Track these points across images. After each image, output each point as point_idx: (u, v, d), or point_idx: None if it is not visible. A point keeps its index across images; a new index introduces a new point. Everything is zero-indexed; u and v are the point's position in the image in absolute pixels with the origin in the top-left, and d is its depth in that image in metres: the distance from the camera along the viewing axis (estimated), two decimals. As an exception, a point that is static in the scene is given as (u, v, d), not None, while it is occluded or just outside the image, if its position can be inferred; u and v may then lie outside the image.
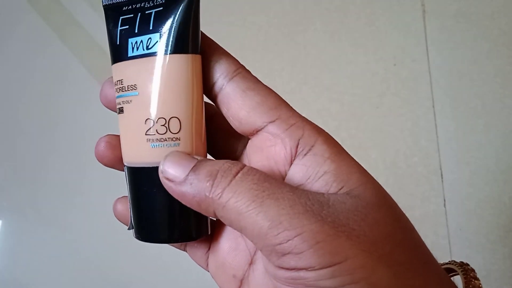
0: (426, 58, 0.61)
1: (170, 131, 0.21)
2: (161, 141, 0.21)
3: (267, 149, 0.20)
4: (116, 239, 0.59)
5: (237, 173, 0.18)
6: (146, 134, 0.21)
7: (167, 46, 0.20)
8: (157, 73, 0.21)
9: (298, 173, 0.20)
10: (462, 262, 0.22)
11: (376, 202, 0.19)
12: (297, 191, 0.18)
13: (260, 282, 0.21)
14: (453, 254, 0.54)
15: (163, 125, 0.21)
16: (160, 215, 0.22)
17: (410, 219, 0.20)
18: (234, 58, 0.21)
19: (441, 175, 0.56)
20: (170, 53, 0.20)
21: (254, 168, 0.19)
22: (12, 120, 0.67)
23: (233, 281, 0.22)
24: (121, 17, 0.22)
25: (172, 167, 0.19)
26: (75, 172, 0.63)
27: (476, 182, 0.55)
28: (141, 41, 0.21)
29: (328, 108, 0.60)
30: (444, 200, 0.55)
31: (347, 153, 0.20)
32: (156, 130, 0.21)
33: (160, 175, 0.20)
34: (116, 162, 0.23)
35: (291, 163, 0.20)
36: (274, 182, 0.18)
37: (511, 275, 0.52)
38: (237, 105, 0.20)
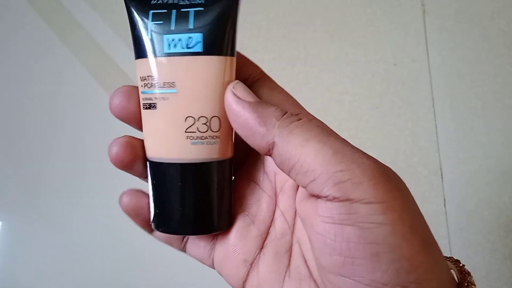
0: (426, 58, 0.61)
1: (211, 129, 0.22)
2: (202, 139, 0.22)
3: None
4: (117, 240, 0.59)
5: (300, 118, 0.20)
6: (186, 132, 0.22)
7: (210, 47, 0.21)
8: (199, 73, 0.21)
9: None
10: (452, 257, 0.23)
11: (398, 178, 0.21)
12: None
13: (271, 263, 0.23)
14: (453, 254, 0.53)
15: (204, 124, 0.21)
16: (195, 209, 0.22)
17: None
18: (256, 64, 0.24)
19: (441, 175, 0.56)
20: (213, 55, 0.21)
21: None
22: (12, 120, 0.67)
23: (242, 266, 0.23)
24: (151, 11, 0.22)
25: (243, 90, 0.21)
26: (75, 172, 0.63)
27: (476, 182, 0.55)
28: (180, 39, 0.21)
29: (328, 108, 0.59)
30: (444, 200, 0.55)
31: None
32: (197, 128, 0.21)
33: (229, 94, 0.21)
34: (133, 163, 0.24)
35: None
36: (333, 131, 0.20)
37: (511, 275, 0.52)
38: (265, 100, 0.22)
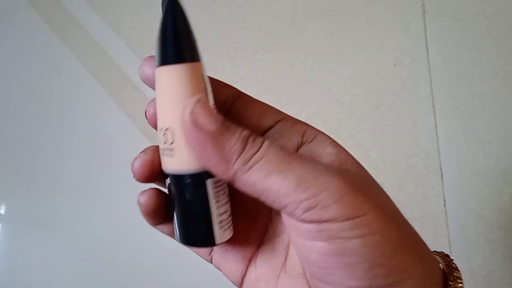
0: (426, 58, 0.61)
1: (168, 141, 0.21)
2: (163, 151, 0.22)
3: (276, 141, 0.23)
4: (117, 240, 0.59)
5: (263, 142, 0.20)
6: (160, 143, 0.22)
7: (158, 59, 0.21)
8: (157, 85, 0.21)
9: (304, 154, 0.22)
10: (442, 252, 0.23)
11: (369, 180, 0.22)
12: (315, 159, 0.21)
13: (267, 259, 0.24)
14: (453, 254, 0.53)
15: (163, 135, 0.21)
16: (176, 221, 0.23)
17: (410, 219, 0.22)
18: (230, 85, 0.24)
19: (441, 175, 0.56)
20: (160, 65, 0.21)
21: (274, 141, 0.21)
22: (12, 120, 0.67)
23: (241, 262, 0.24)
24: None
25: (203, 113, 0.20)
26: (74, 172, 0.63)
27: (476, 182, 0.55)
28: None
29: (328, 108, 0.59)
30: (444, 200, 0.55)
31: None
32: (162, 140, 0.22)
33: (187, 115, 0.19)
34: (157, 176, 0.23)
35: (297, 150, 0.23)
36: (294, 151, 0.21)
37: (511, 275, 0.52)
38: (249, 113, 0.23)
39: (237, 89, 0.24)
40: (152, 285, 0.57)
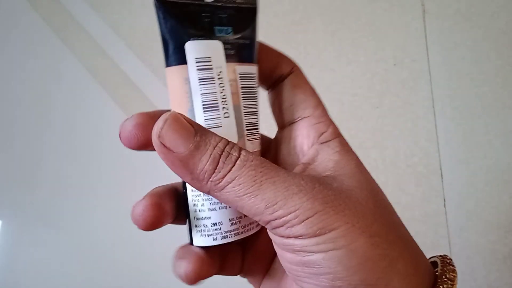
0: (426, 58, 0.61)
1: None
2: None
3: (295, 138, 0.24)
4: (117, 240, 0.59)
5: (236, 160, 0.20)
6: None
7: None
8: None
9: (310, 154, 0.23)
10: (445, 255, 0.23)
11: (359, 186, 0.21)
12: (292, 174, 0.20)
13: (276, 258, 0.25)
14: (453, 254, 0.54)
15: None
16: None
17: (410, 219, 0.21)
18: (290, 58, 0.25)
19: (441, 175, 0.56)
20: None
21: (251, 153, 0.20)
22: (12, 120, 0.67)
23: (268, 264, 0.26)
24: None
25: (171, 134, 0.19)
26: (75, 172, 0.63)
27: (476, 182, 0.55)
28: None
29: (328, 108, 0.59)
30: (444, 200, 0.55)
31: (353, 152, 0.23)
32: None
33: (155, 138, 0.19)
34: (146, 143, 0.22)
35: (309, 149, 0.23)
36: (271, 166, 0.20)
37: (511, 275, 0.52)
38: (284, 98, 0.24)
39: (292, 63, 0.24)
40: (153, 284, 0.57)
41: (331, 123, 0.24)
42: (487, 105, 0.58)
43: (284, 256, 0.20)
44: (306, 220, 0.19)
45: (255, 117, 0.23)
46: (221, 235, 0.22)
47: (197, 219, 0.22)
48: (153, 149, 0.22)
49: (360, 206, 0.20)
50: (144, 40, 0.68)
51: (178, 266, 0.22)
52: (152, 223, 0.22)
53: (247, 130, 0.22)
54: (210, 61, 0.22)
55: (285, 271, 0.22)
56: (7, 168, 0.65)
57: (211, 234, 0.22)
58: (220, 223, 0.22)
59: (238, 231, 0.23)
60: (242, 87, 0.22)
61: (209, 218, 0.22)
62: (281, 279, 0.25)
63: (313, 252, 0.19)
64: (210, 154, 0.19)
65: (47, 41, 0.69)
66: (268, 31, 0.63)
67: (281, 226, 0.19)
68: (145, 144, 0.22)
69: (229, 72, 0.22)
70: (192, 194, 0.22)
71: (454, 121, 0.58)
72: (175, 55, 0.21)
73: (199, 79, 0.21)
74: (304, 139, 0.23)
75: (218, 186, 0.19)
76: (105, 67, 0.67)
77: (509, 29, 0.60)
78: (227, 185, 0.19)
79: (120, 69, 0.66)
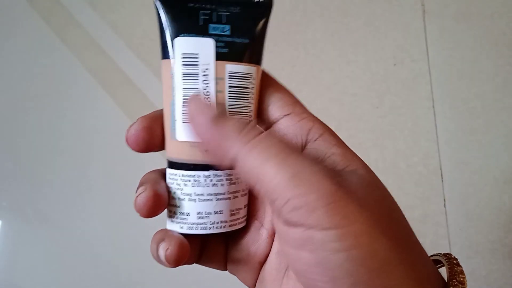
0: (426, 58, 0.61)
1: None
2: None
3: (281, 137, 0.22)
4: (116, 240, 0.59)
5: (262, 132, 0.20)
6: None
7: None
8: None
9: (309, 154, 0.22)
10: (449, 254, 0.23)
11: (375, 184, 0.21)
12: (315, 160, 0.20)
13: (273, 261, 0.24)
14: (453, 254, 0.54)
15: None
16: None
17: (410, 219, 0.21)
18: None
19: (441, 175, 0.56)
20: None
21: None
22: (12, 120, 0.67)
23: (256, 266, 0.24)
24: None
25: (199, 104, 0.21)
26: (75, 172, 0.63)
27: (476, 182, 0.55)
28: None
29: (328, 108, 0.59)
30: (444, 200, 0.55)
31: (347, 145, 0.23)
32: None
33: (187, 108, 0.21)
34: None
35: (303, 149, 0.22)
36: (295, 147, 0.20)
37: (511, 275, 0.52)
38: (260, 101, 0.23)
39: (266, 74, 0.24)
40: (152, 282, 0.57)
41: (314, 117, 0.23)
42: (487, 105, 0.58)
43: (300, 258, 0.19)
44: (329, 206, 0.17)
45: (243, 118, 0.23)
46: (188, 226, 0.23)
47: (170, 204, 0.23)
48: (158, 150, 0.23)
49: (379, 204, 0.19)
50: (144, 40, 0.68)
51: (160, 247, 0.22)
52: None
53: None
54: (197, 58, 0.22)
55: (295, 276, 0.21)
56: (7, 168, 0.65)
57: (179, 222, 0.23)
58: (188, 214, 0.23)
59: (204, 225, 0.23)
60: (230, 86, 0.22)
61: (178, 206, 0.23)
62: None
63: (335, 250, 0.17)
64: (238, 120, 0.20)
65: (46, 41, 0.69)
66: (268, 31, 0.63)
67: (301, 207, 0.18)
68: (152, 146, 0.23)
69: (219, 70, 0.22)
70: (169, 179, 0.23)
71: (454, 121, 0.58)
72: (166, 49, 0.22)
73: (183, 74, 0.22)
74: (293, 139, 0.23)
75: (247, 145, 0.19)
76: (105, 67, 0.67)
77: (509, 29, 0.60)
78: (256, 147, 0.19)
79: (120, 69, 0.66)
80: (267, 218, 0.25)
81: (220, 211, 0.22)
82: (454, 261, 0.22)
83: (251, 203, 0.25)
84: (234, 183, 0.23)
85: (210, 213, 0.22)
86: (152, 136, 0.23)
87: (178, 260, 0.22)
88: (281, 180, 0.18)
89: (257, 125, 0.20)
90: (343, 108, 0.60)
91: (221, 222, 0.23)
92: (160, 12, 0.22)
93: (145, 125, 0.23)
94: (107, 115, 0.64)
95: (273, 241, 0.24)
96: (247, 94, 0.23)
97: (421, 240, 0.22)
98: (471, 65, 0.59)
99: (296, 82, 0.61)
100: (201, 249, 0.25)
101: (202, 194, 0.22)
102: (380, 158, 0.57)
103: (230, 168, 0.20)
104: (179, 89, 0.22)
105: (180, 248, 0.22)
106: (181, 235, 0.22)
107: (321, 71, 0.62)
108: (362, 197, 0.19)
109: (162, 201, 0.23)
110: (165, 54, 0.22)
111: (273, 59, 0.62)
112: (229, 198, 0.23)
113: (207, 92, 0.22)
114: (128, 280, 0.58)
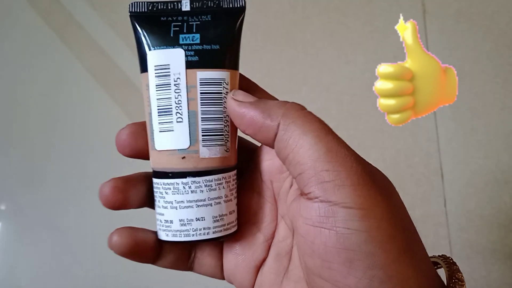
0: (426, 58, 0.61)
1: None
2: None
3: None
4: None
5: (305, 108, 0.21)
6: None
7: None
8: None
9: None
10: (444, 255, 0.23)
11: (390, 182, 0.22)
12: (347, 146, 0.21)
13: (272, 264, 0.24)
14: (453, 254, 0.54)
15: None
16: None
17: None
18: None
19: (441, 175, 0.56)
20: None
21: None
22: (12, 121, 0.67)
23: (253, 271, 0.24)
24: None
25: (242, 94, 0.23)
26: (75, 173, 0.63)
27: (476, 182, 0.55)
28: None
29: (327, 108, 0.59)
30: (444, 200, 0.55)
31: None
32: None
33: (230, 101, 0.22)
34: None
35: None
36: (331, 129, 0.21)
37: (511, 275, 0.52)
38: None
39: (246, 79, 0.25)
40: (153, 284, 0.58)
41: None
42: (487, 105, 0.58)
43: (318, 236, 0.19)
44: (356, 185, 0.18)
45: (218, 123, 0.23)
46: (172, 233, 0.23)
47: (156, 213, 0.24)
48: (145, 158, 0.24)
49: (394, 199, 0.20)
50: (144, 40, 0.67)
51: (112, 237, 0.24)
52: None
53: (204, 135, 0.23)
54: (168, 68, 0.23)
55: (305, 265, 0.21)
56: (7, 169, 0.65)
57: (164, 230, 0.24)
58: (171, 221, 0.23)
59: (187, 233, 0.23)
60: (202, 93, 0.23)
61: (163, 214, 0.23)
62: None
63: (356, 229, 0.18)
64: (275, 101, 0.22)
65: (46, 41, 0.69)
66: (268, 31, 0.63)
67: (330, 181, 0.18)
68: (138, 152, 0.24)
69: (190, 78, 0.22)
70: (154, 188, 0.24)
71: (454, 121, 0.58)
72: (142, 64, 0.24)
73: (156, 85, 0.23)
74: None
75: (292, 117, 0.21)
76: (105, 67, 0.67)
77: (509, 29, 0.60)
78: (298, 119, 0.20)
79: (120, 69, 0.66)
80: (266, 219, 0.25)
81: (201, 217, 0.23)
82: (450, 261, 0.22)
83: (247, 209, 0.25)
84: (214, 190, 0.23)
85: (191, 220, 0.23)
86: (137, 142, 0.23)
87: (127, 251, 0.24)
88: (317, 152, 0.19)
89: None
90: (343, 108, 0.60)
91: (204, 229, 0.23)
92: (135, 28, 0.23)
93: (132, 131, 0.23)
94: (107, 115, 0.64)
95: (270, 246, 0.25)
96: (220, 100, 0.23)
97: (421, 240, 0.22)
98: (471, 65, 0.59)
99: (295, 82, 0.61)
100: (192, 256, 0.26)
101: (182, 202, 0.23)
102: (380, 158, 0.57)
103: (272, 144, 0.21)
104: (154, 100, 0.23)
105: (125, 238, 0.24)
106: (139, 230, 0.24)
107: (320, 71, 0.62)
108: (383, 188, 0.20)
109: (124, 196, 0.24)
110: (142, 68, 0.24)
111: (272, 59, 0.62)
112: (211, 205, 0.23)
113: (179, 101, 0.22)
114: (128, 280, 0.58)
